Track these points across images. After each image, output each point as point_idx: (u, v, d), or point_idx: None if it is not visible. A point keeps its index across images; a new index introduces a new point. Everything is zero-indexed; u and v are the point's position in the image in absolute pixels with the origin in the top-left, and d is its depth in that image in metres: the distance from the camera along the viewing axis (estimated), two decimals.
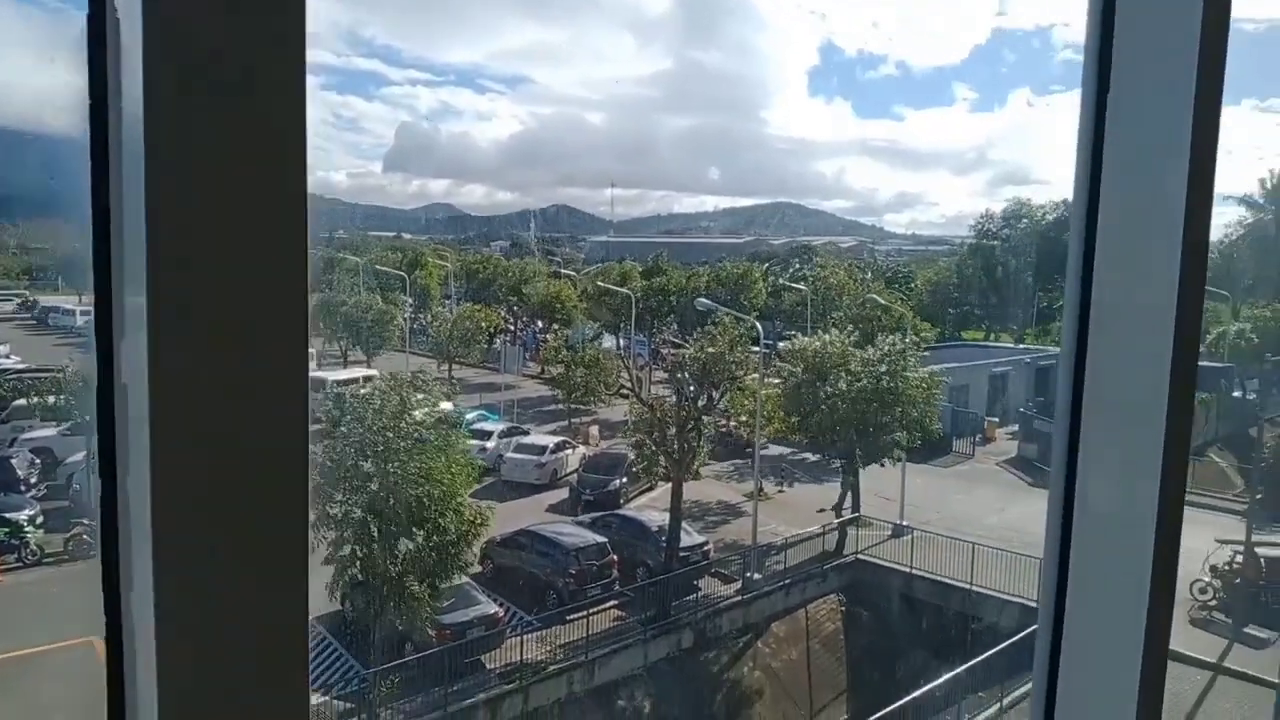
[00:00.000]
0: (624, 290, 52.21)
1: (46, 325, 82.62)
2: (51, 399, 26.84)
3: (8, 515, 24.05)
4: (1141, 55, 1.48)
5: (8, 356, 53.43)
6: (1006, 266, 74.69)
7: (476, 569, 21.79)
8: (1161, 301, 1.52)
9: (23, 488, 27.10)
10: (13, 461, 28.17)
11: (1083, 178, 1.54)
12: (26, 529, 23.97)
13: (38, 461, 29.59)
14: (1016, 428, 42.93)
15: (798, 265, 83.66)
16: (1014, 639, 19.24)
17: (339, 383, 40.37)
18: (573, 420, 42.41)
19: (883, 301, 43.71)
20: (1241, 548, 23.11)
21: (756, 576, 24.04)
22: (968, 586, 23.88)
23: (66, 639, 19.27)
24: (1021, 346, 61.46)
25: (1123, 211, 1.53)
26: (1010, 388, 48.11)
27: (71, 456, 28.70)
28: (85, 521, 25.14)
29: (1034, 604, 22.10)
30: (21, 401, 32.87)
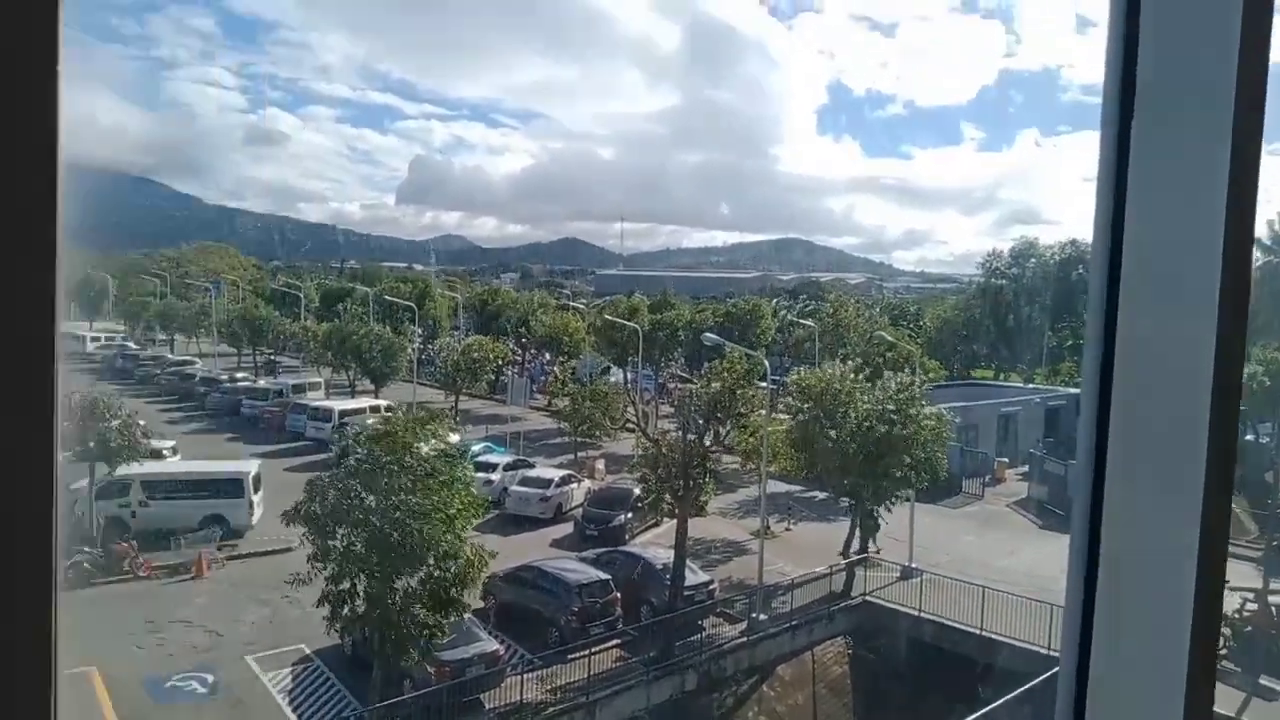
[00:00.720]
0: (631, 324, 52.23)
1: None
2: None
3: None
4: (1174, 80, 1.37)
5: None
6: (1015, 305, 74.61)
7: (478, 604, 21.47)
8: (1200, 338, 1.40)
9: None
10: None
11: (1105, 209, 1.43)
12: None
13: None
14: (1026, 469, 42.53)
15: (806, 301, 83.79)
16: (1026, 687, 18.81)
17: (345, 413, 40.38)
18: (579, 454, 42.18)
19: (890, 338, 43.57)
20: (1253, 595, 22.63)
21: (762, 617, 23.64)
22: (978, 631, 23.42)
23: (64, 669, 19.02)
24: (1031, 386, 61.14)
25: (1155, 245, 1.42)
26: (1020, 428, 47.72)
27: (75, 483, 28.58)
28: (86, 549, 24.98)
29: (1044, 650, 21.68)
30: None
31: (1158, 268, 1.42)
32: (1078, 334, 78.18)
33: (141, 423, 29.12)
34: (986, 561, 29.11)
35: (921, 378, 29.05)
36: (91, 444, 25.98)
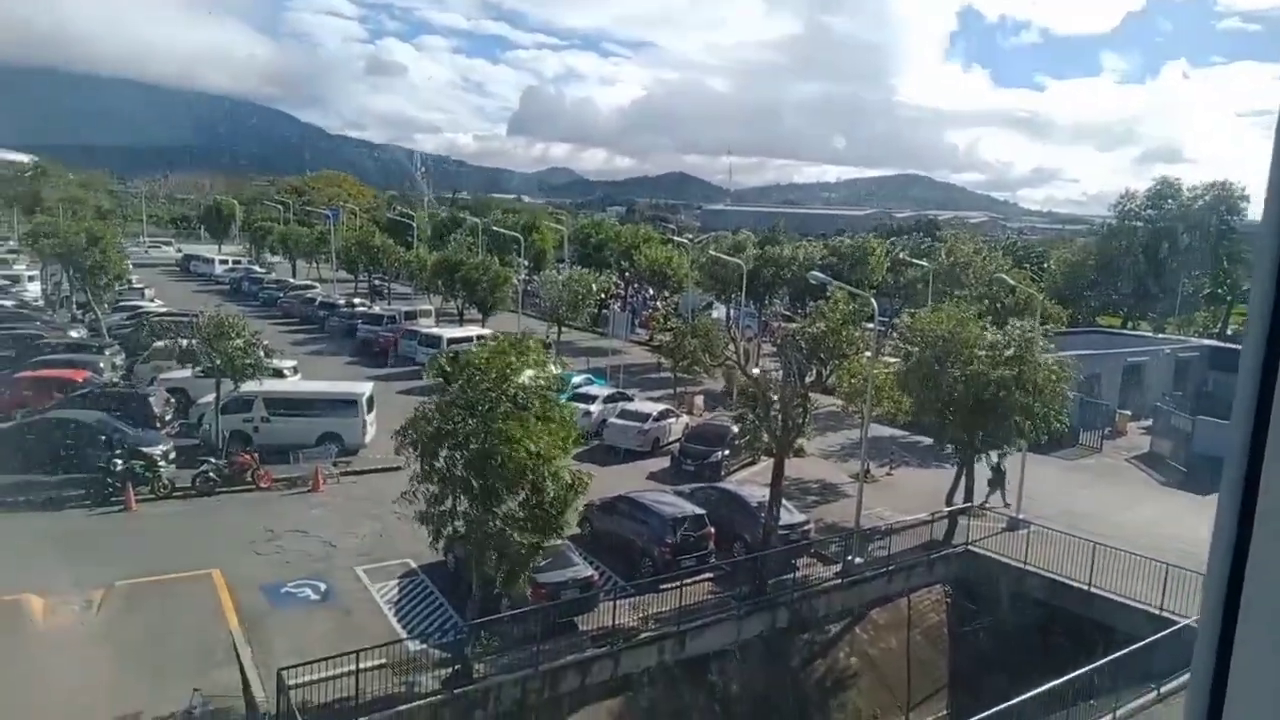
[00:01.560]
0: (735, 260, 51.41)
1: (188, 272, 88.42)
2: (185, 342, 28.29)
3: (144, 449, 25.68)
4: None
5: (152, 301, 57.25)
6: (1150, 250, 69.77)
7: (575, 531, 21.89)
8: None
9: (159, 425, 28.91)
10: (151, 400, 30.05)
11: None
12: (160, 464, 25.54)
13: (173, 401, 31.53)
14: (1150, 422, 40.31)
15: (922, 239, 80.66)
16: (1132, 647, 18.01)
17: (453, 340, 41.43)
18: (678, 389, 42.24)
19: (1011, 281, 41.46)
20: None
21: (858, 560, 23.32)
22: (1086, 587, 22.53)
23: (190, 569, 20.50)
24: (1161, 336, 57.56)
25: None
26: (1147, 379, 45.11)
27: (204, 398, 30.36)
28: (212, 460, 26.61)
29: (1155, 610, 20.71)
30: (160, 343, 35.07)
31: None
32: (1217, 282, 72.92)
33: (265, 343, 30.56)
34: (1100, 516, 27.87)
35: (1042, 324, 27.50)
36: (218, 361, 27.45)
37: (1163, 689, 18.26)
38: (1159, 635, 18.78)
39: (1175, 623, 19.70)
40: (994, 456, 27.42)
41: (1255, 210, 70.54)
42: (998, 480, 27.77)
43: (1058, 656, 20.80)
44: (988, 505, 27.02)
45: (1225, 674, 1.48)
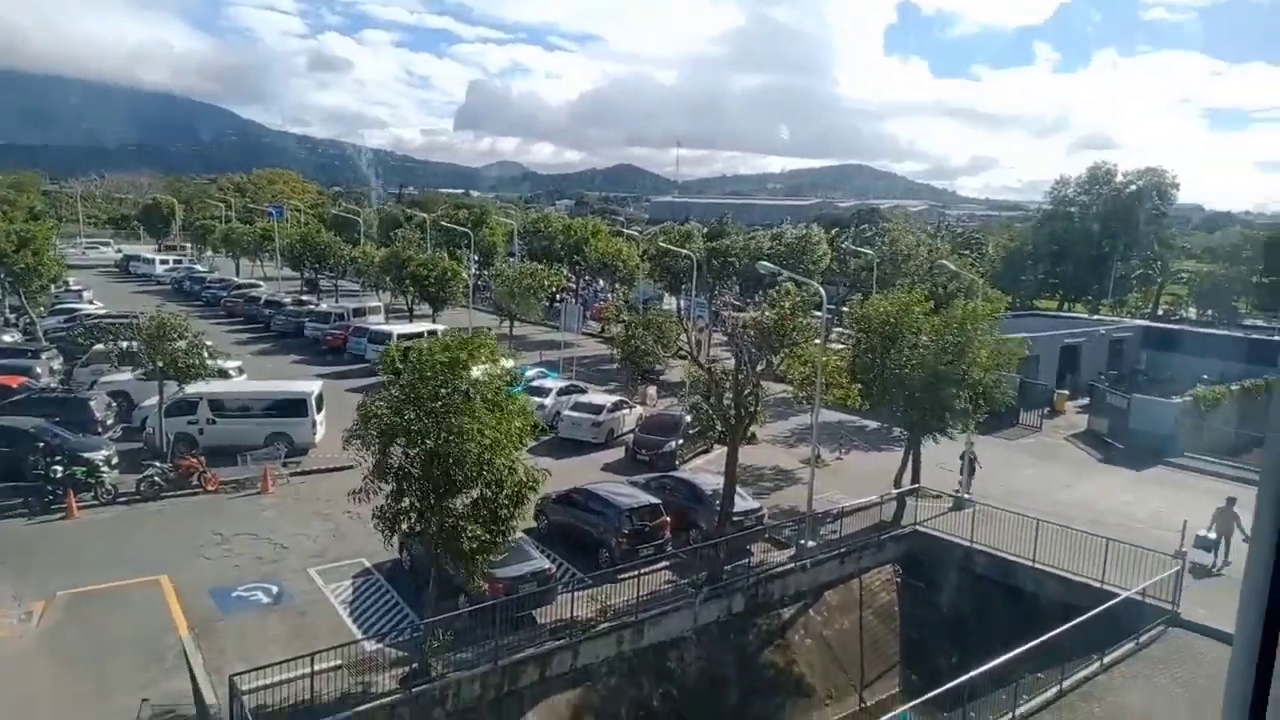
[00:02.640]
0: (685, 251, 51.65)
1: (127, 273, 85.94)
2: (125, 344, 27.55)
3: (85, 455, 25.00)
4: None
5: (91, 303, 55.62)
6: (1084, 234, 71.76)
7: (531, 524, 21.90)
8: None
9: (100, 429, 28.15)
10: (91, 404, 29.24)
11: None
12: (102, 469, 24.89)
13: (114, 404, 30.72)
14: (1087, 401, 41.57)
15: (865, 228, 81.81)
16: (1077, 621, 18.64)
17: (403, 336, 40.98)
18: (631, 380, 42.32)
19: (953, 267, 42.36)
20: None
21: (811, 544, 23.70)
22: (1030, 563, 23.22)
23: (136, 576, 20.05)
24: (1095, 318, 59.29)
25: None
26: (1083, 359, 46.47)
27: (146, 400, 29.65)
28: (156, 464, 26.01)
29: (1097, 584, 21.45)
30: (100, 346, 34.10)
31: None
32: (1148, 265, 75.23)
33: (209, 343, 29.93)
34: (1042, 493, 28.71)
35: (991, 309, 28.17)
36: (160, 364, 26.81)
37: (1105, 659, 18.94)
38: (1101, 608, 19.46)
39: (1116, 594, 20.44)
40: (967, 446, 27.84)
41: (1184, 195, 73.03)
42: (969, 469, 28.00)
43: (1005, 631, 21.42)
44: (968, 494, 27.27)
45: (1266, 683, 1.41)
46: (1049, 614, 20.85)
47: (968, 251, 71.64)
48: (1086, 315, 64.06)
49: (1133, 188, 72.63)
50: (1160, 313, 75.89)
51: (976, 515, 25.00)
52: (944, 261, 43.51)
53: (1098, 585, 21.57)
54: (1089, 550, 22.11)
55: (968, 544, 24.76)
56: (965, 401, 25.87)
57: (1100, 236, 71.35)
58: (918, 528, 25.96)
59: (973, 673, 16.86)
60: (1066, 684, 18.19)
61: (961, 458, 28.04)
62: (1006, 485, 29.08)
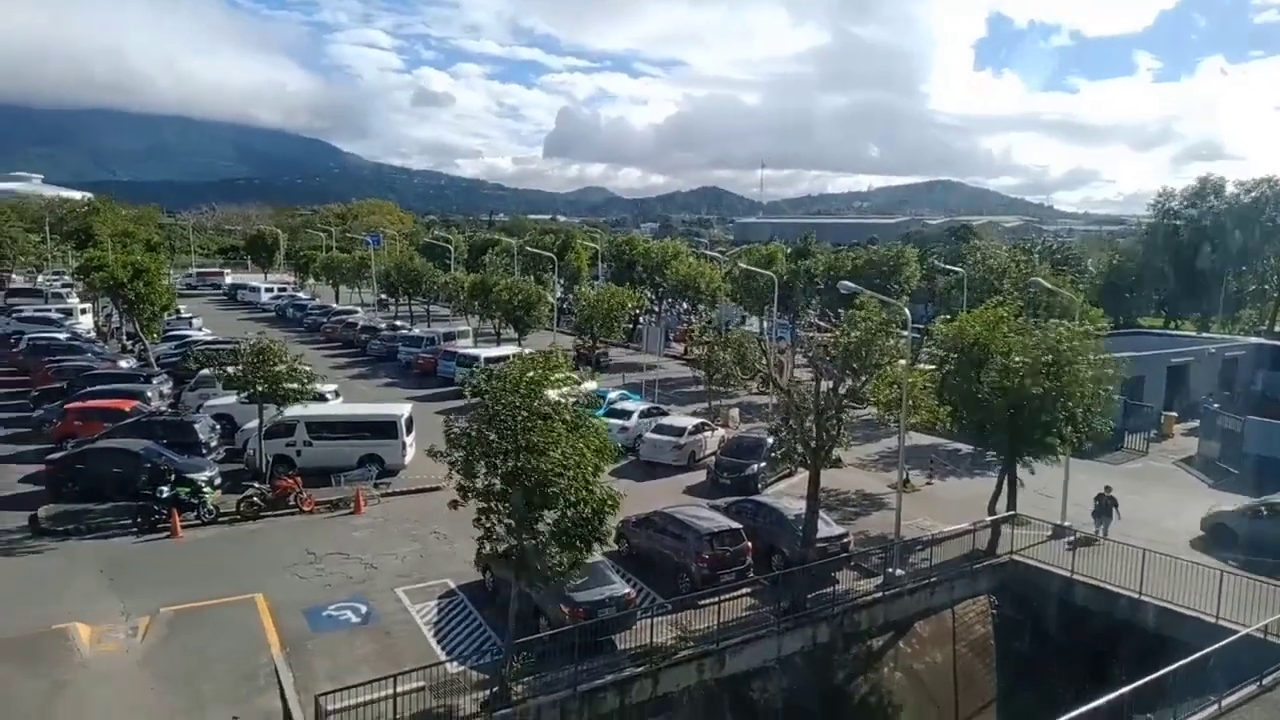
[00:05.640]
0: (767, 273, 51.18)
1: (235, 300, 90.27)
2: (230, 369, 28.78)
3: (189, 476, 26.16)
4: None
5: (200, 330, 58.51)
6: (1192, 248, 68.14)
7: (612, 548, 21.85)
8: None
9: (204, 451, 29.44)
10: (196, 426, 30.63)
11: None
12: (205, 489, 25.99)
13: (218, 427, 32.11)
14: (1197, 424, 39.28)
15: (955, 246, 79.64)
16: (1191, 659, 17.44)
17: (490, 359, 41.73)
18: (713, 402, 42.09)
19: (1048, 285, 40.74)
20: None
21: (899, 572, 22.95)
22: (1136, 595, 21.95)
23: (234, 594, 20.80)
24: (1205, 335, 56.12)
25: None
26: (1192, 380, 44.01)
27: (248, 423, 30.88)
28: (256, 484, 27.02)
29: (1211, 619, 20.08)
30: (207, 371, 35.76)
31: None
32: (1264, 279, 70.94)
33: (307, 367, 31.03)
34: (1149, 522, 27.16)
35: (1088, 330, 26.86)
36: (260, 388, 27.90)
37: (1223, 702, 17.66)
38: (1217, 645, 18.17)
39: (1233, 631, 19.06)
40: (1104, 489, 26.18)
41: None
42: (1104, 508, 25.97)
43: (1109, 668, 20.25)
44: (1104, 538, 25.26)
45: None
46: (1157, 651, 19.62)
47: (1066, 268, 68.91)
48: (1195, 333, 60.73)
49: (1248, 198, 68.73)
50: (1278, 330, 71.36)
51: (1077, 544, 23.76)
52: (1039, 279, 41.84)
53: (1212, 621, 20.22)
54: (1201, 583, 20.77)
55: (1068, 574, 23.59)
56: (1063, 425, 24.67)
57: (1211, 250, 67.65)
58: (1014, 557, 24.87)
59: (1074, 712, 15.92)
60: None
61: (1098, 499, 26.30)
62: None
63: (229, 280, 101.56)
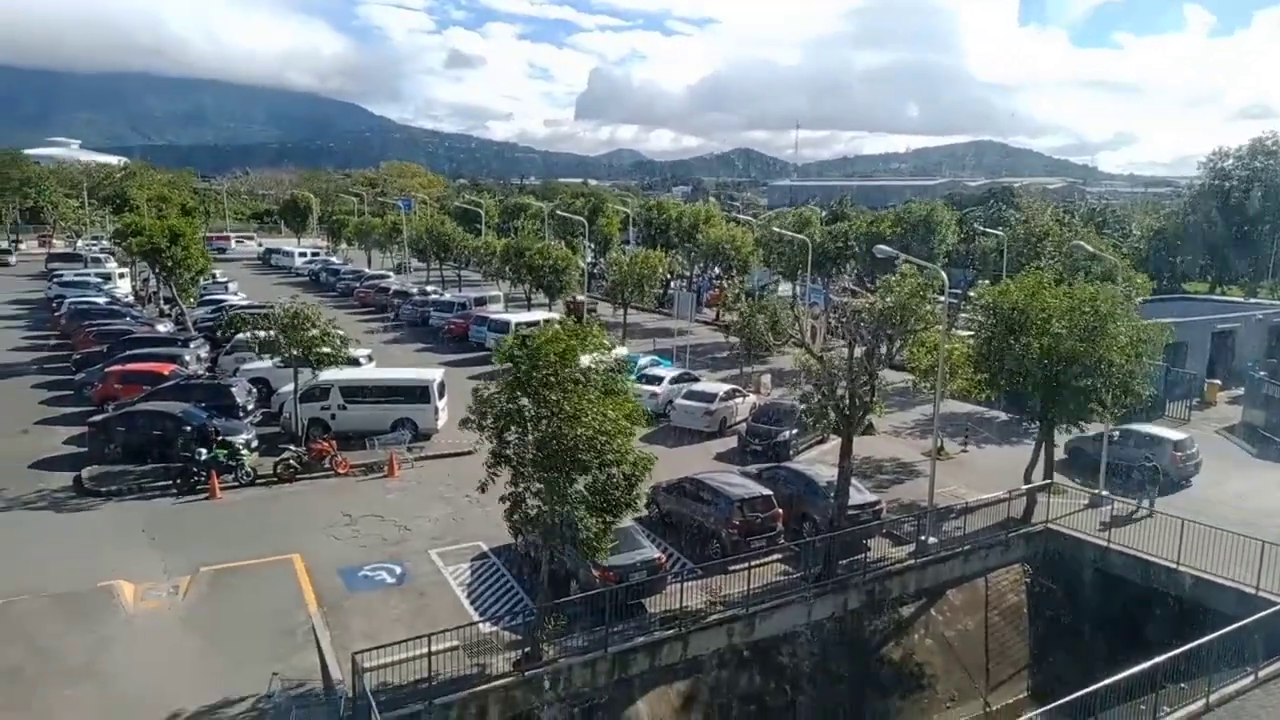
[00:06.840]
0: (800, 236, 50.54)
1: (269, 265, 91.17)
2: (263, 333, 29.10)
3: (228, 439, 26.60)
4: None
5: (235, 294, 59.22)
6: (1242, 210, 66.11)
7: (642, 513, 21.91)
8: None
9: (241, 414, 29.89)
10: (233, 390, 31.09)
11: None
12: (242, 452, 26.43)
13: (254, 391, 32.57)
14: (1242, 392, 38.38)
15: (996, 208, 78.11)
16: (1228, 630, 17.19)
17: (521, 324, 41.81)
18: (744, 368, 41.88)
19: (1091, 249, 39.83)
20: None
21: (932, 540, 22.79)
22: (1174, 565, 21.62)
23: (272, 554, 21.20)
24: (1254, 301, 54.62)
25: None
26: (1238, 346, 42.94)
27: (284, 387, 31.28)
28: (292, 447, 27.42)
29: (1250, 589, 19.76)
30: (242, 335, 36.21)
31: None
32: None
33: (341, 332, 31.28)
34: (1187, 491, 26.68)
35: (1126, 290, 26.20)
36: (295, 352, 28.19)
37: (1260, 673, 17.42)
38: (1256, 616, 17.86)
39: (1273, 603, 18.74)
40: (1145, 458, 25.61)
41: None
42: (1148, 480, 25.42)
43: (1144, 638, 20.03)
44: (1151, 508, 24.92)
45: None
46: (1194, 621, 19.39)
47: (1109, 231, 67.33)
48: (1243, 299, 59.15)
49: None
50: None
51: (1114, 513, 23.39)
52: (1080, 242, 40.95)
53: (1251, 592, 19.89)
54: (1241, 553, 20.39)
55: (1104, 544, 23.30)
56: (1102, 391, 24.18)
57: (1262, 212, 65.56)
58: (1050, 525, 24.58)
59: (1108, 680, 15.78)
60: (1214, 698, 16.81)
61: (1139, 470, 25.87)
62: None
63: (259, 245, 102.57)
